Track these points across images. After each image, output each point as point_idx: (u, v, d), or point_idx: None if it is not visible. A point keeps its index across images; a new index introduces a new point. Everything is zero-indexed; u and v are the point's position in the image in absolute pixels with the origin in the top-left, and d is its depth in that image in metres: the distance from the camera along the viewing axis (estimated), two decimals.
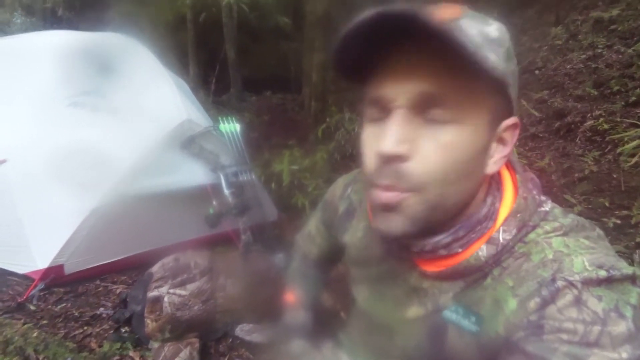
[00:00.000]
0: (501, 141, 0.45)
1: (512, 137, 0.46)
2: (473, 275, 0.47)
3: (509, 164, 0.52)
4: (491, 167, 0.45)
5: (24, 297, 1.78)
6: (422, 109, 0.41)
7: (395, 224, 0.43)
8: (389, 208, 0.43)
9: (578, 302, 0.39)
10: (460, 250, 0.46)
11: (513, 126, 0.45)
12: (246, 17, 5.57)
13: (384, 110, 0.43)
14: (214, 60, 5.73)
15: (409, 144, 0.41)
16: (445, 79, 0.39)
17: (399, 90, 0.41)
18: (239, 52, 5.74)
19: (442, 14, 0.37)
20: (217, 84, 5.58)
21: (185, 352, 1.47)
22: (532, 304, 0.41)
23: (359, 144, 0.46)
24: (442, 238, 0.46)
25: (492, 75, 0.39)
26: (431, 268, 0.49)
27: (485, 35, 0.40)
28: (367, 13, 0.37)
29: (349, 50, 0.42)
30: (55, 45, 2.39)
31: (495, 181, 0.49)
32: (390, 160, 0.41)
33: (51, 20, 7.36)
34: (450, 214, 0.45)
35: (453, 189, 0.43)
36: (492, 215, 0.47)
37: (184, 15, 5.38)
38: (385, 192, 0.42)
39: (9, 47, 2.52)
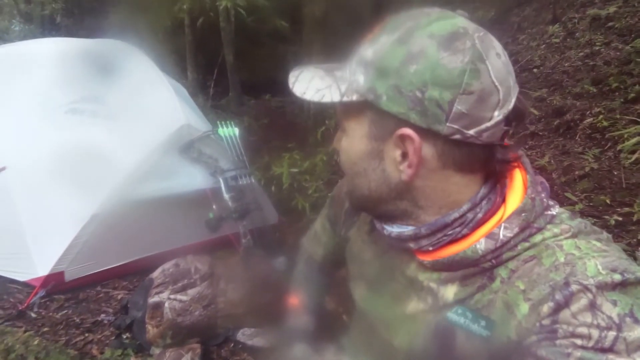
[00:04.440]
0: (401, 151, 0.46)
1: (410, 147, 0.45)
2: (472, 269, 0.47)
3: (521, 165, 0.51)
4: (401, 175, 0.47)
5: (25, 304, 1.77)
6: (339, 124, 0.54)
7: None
8: None
9: (593, 306, 0.38)
10: (431, 248, 0.48)
11: (405, 137, 0.44)
12: (244, 21, 5.58)
13: None
14: (213, 65, 5.73)
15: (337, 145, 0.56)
16: (340, 106, 0.51)
17: None
18: (237, 56, 5.74)
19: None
20: (215, 88, 5.59)
21: (186, 358, 1.47)
22: (545, 308, 0.40)
23: None
24: (402, 230, 0.51)
25: (344, 101, 0.47)
26: (428, 258, 0.49)
27: (359, 59, 0.47)
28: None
29: None
30: (54, 52, 2.40)
31: (488, 189, 0.48)
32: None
33: (49, 27, 7.39)
34: (370, 203, 0.53)
35: (359, 182, 0.52)
36: (468, 223, 0.46)
37: (182, 20, 5.39)
38: None
39: (7, 54, 2.53)
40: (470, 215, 0.47)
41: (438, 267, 0.49)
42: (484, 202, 0.48)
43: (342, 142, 0.53)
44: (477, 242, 0.46)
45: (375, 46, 0.46)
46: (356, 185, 0.53)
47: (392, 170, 0.48)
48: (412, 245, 0.50)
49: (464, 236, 0.47)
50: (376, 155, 0.49)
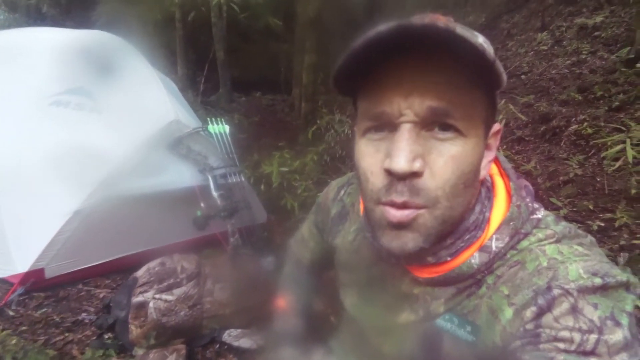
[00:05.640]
0: (487, 147, 0.47)
1: (496, 142, 0.48)
2: (465, 282, 0.47)
3: (503, 172, 0.52)
4: (482, 172, 0.46)
5: (3, 302, 1.71)
6: (430, 123, 0.41)
7: (410, 242, 0.43)
8: (402, 226, 0.43)
9: (574, 310, 0.39)
10: (449, 258, 0.46)
11: (497, 132, 0.48)
12: (236, 17, 5.53)
13: (388, 125, 0.42)
14: (203, 61, 5.67)
15: (421, 160, 0.40)
16: (450, 93, 0.39)
17: (406, 105, 0.40)
18: (228, 52, 5.69)
19: (448, 25, 0.36)
20: (205, 84, 5.53)
21: (170, 359, 1.44)
22: (528, 312, 0.41)
23: (356, 159, 0.46)
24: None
25: (501, 79, 0.40)
26: (423, 274, 0.49)
27: (479, 44, 0.41)
28: (386, 26, 0.36)
29: (353, 63, 0.40)
30: (39, 42, 2.33)
31: (485, 189, 0.49)
32: (403, 177, 0.41)
33: (35, 17, 7.19)
34: (456, 225, 0.45)
35: (460, 201, 0.43)
36: (481, 224, 0.47)
37: (173, 14, 5.31)
38: (398, 210, 0.42)
39: None
40: (481, 216, 0.47)
41: (433, 283, 0.49)
42: (486, 201, 0.48)
43: (453, 150, 0.41)
44: (472, 256, 0.46)
45: (480, 37, 0.40)
46: (457, 207, 0.43)
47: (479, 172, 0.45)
48: (430, 259, 0.47)
49: (471, 244, 0.47)
50: (481, 159, 0.45)
